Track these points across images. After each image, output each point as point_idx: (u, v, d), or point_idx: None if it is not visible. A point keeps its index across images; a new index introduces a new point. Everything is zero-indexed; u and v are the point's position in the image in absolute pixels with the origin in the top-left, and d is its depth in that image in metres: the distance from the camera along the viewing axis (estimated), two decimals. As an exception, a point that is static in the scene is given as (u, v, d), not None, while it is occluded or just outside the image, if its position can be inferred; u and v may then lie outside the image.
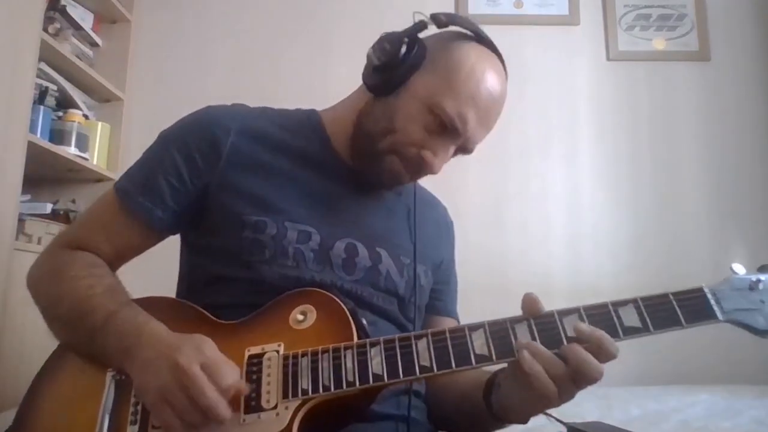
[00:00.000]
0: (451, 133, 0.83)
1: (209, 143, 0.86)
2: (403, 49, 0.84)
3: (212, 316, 0.79)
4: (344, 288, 0.82)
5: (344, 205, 0.90)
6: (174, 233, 0.92)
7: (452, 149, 0.86)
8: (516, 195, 2.24)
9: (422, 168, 0.86)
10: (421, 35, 0.86)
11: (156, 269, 1.11)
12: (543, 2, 2.37)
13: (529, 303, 0.70)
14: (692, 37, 2.36)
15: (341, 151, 0.92)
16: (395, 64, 0.84)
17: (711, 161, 2.27)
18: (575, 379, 0.64)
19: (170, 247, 0.96)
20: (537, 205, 2.25)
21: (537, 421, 1.21)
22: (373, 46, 0.86)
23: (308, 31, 2.33)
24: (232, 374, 0.66)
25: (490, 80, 0.83)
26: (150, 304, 0.79)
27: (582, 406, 1.47)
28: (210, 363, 0.65)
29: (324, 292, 0.77)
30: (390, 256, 0.89)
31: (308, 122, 0.95)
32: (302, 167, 0.89)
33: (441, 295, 1.00)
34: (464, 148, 0.87)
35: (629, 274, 2.15)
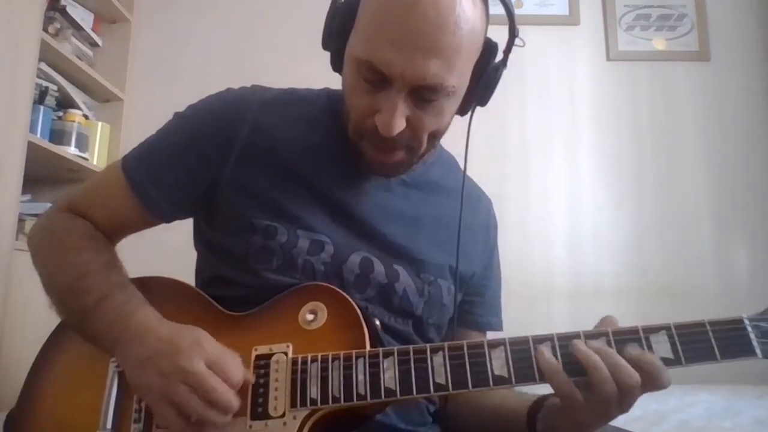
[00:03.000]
0: (384, 81, 0.70)
1: (222, 134, 0.81)
2: (332, 19, 0.76)
3: (218, 306, 0.77)
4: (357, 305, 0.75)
5: (365, 212, 0.82)
6: (177, 219, 0.88)
7: (399, 99, 0.70)
8: (516, 195, 2.24)
9: (381, 137, 0.72)
10: None
11: (169, 253, 1.10)
12: (543, 2, 2.37)
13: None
14: (692, 37, 2.36)
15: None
16: (329, 37, 0.77)
17: (711, 161, 2.27)
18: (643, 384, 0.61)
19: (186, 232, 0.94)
20: (537, 205, 2.25)
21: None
22: None
23: (309, 30, 2.33)
24: (238, 367, 0.65)
25: (399, 5, 0.68)
26: (155, 285, 0.77)
27: (582, 406, 1.47)
28: (214, 359, 0.64)
29: (335, 288, 0.73)
30: (409, 274, 0.81)
31: (329, 109, 0.86)
32: (320, 168, 0.82)
33: (472, 307, 0.92)
34: (418, 88, 0.70)
35: (630, 274, 2.14)
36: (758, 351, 0.60)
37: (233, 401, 0.63)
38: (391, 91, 0.70)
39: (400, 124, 0.71)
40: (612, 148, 2.30)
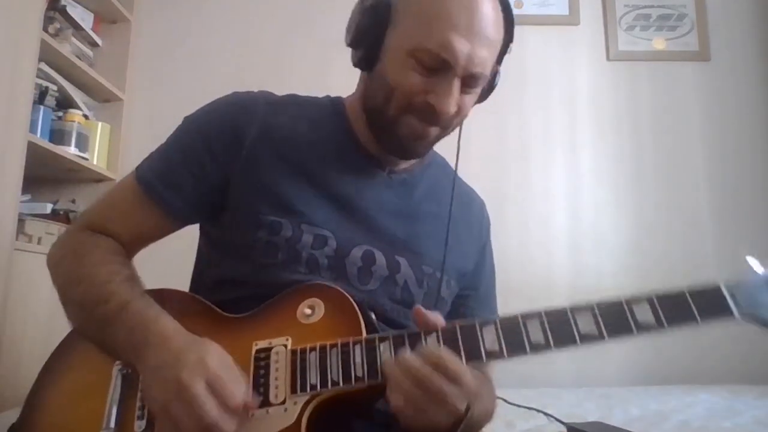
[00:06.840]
0: (445, 67, 0.77)
1: (231, 133, 0.85)
2: (364, 16, 0.80)
3: (220, 311, 0.78)
4: (356, 298, 0.77)
5: (366, 207, 0.86)
6: (194, 222, 0.91)
7: (456, 83, 0.78)
8: (516, 195, 2.24)
9: (434, 114, 0.79)
10: None
11: (169, 262, 1.11)
12: (543, 2, 2.37)
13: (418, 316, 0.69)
14: (692, 37, 2.36)
15: (365, 141, 0.89)
16: (363, 34, 0.81)
17: (711, 161, 2.27)
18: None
19: (185, 239, 0.95)
20: (537, 205, 2.25)
21: (537, 420, 1.21)
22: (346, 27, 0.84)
23: (309, 29, 2.33)
24: (238, 390, 0.64)
25: None
26: (159, 297, 0.78)
27: (582, 406, 1.47)
28: (214, 379, 0.63)
29: (332, 285, 0.76)
30: (410, 265, 0.85)
31: (333, 111, 0.92)
32: (325, 165, 0.86)
33: (467, 301, 0.95)
34: (472, 75, 0.78)
35: (630, 273, 2.15)
36: (735, 312, 0.64)
37: (225, 427, 0.62)
38: (449, 75, 0.77)
39: (455, 105, 0.79)
40: (612, 148, 2.29)
